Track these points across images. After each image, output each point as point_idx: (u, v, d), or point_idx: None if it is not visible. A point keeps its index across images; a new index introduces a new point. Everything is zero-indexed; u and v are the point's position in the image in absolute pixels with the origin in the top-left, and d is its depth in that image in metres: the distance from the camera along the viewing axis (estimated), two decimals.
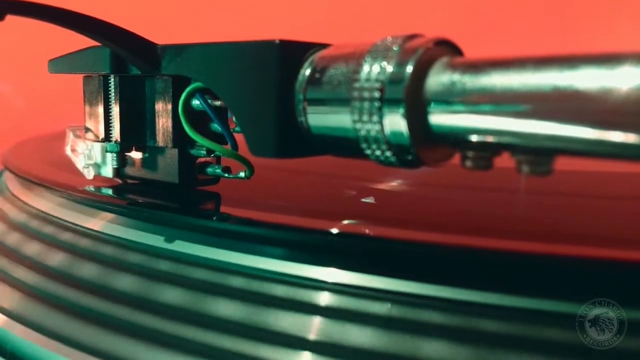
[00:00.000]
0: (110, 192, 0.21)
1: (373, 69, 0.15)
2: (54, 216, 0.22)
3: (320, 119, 0.16)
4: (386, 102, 0.14)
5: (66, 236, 0.20)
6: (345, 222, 0.16)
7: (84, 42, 0.19)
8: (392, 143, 0.15)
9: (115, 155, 0.21)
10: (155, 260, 0.17)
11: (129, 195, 0.21)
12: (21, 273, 0.19)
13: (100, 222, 0.20)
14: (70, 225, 0.21)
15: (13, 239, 0.22)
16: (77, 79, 0.22)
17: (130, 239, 0.19)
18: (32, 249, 0.21)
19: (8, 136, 0.35)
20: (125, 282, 0.17)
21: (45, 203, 0.23)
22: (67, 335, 0.16)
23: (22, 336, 0.17)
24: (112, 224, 0.20)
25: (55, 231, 0.21)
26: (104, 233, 0.19)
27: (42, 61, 0.22)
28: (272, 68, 0.17)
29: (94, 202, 0.21)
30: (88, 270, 0.18)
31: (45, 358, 0.16)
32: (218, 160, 0.20)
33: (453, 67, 0.14)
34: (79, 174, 0.23)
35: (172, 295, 0.16)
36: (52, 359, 0.16)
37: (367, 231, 0.16)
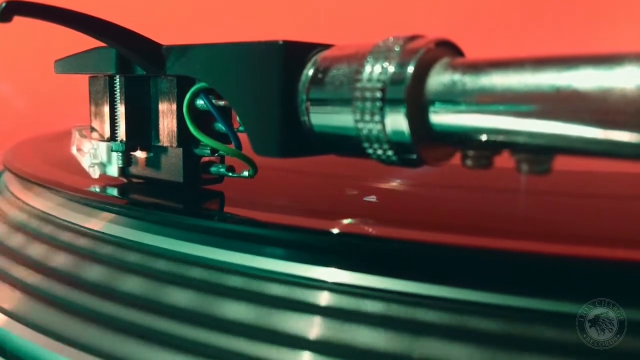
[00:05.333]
0: (111, 192, 0.21)
1: (375, 70, 0.15)
2: (54, 216, 0.22)
3: (323, 118, 0.16)
4: (388, 102, 0.15)
5: (66, 236, 0.20)
6: (347, 221, 0.16)
7: (84, 42, 0.19)
8: (394, 142, 0.15)
9: (120, 154, 0.21)
10: (157, 261, 0.17)
11: (130, 195, 0.21)
12: (21, 273, 0.19)
13: (101, 222, 0.20)
14: (71, 225, 0.21)
15: (13, 239, 0.22)
16: (78, 79, 0.22)
17: (131, 239, 0.19)
18: (32, 249, 0.21)
19: (8, 136, 0.36)
20: (127, 283, 0.17)
21: (46, 203, 0.23)
22: (67, 335, 0.16)
23: (22, 336, 0.17)
24: (113, 224, 0.20)
25: (56, 231, 0.21)
26: (104, 233, 0.19)
27: (42, 61, 0.22)
28: (276, 68, 0.17)
29: (95, 202, 0.21)
30: (88, 270, 0.18)
31: (45, 358, 0.16)
32: (222, 159, 0.21)
33: (454, 68, 0.14)
34: (79, 173, 0.23)
35: (174, 295, 0.16)
36: (52, 359, 0.16)
37: (369, 231, 0.16)
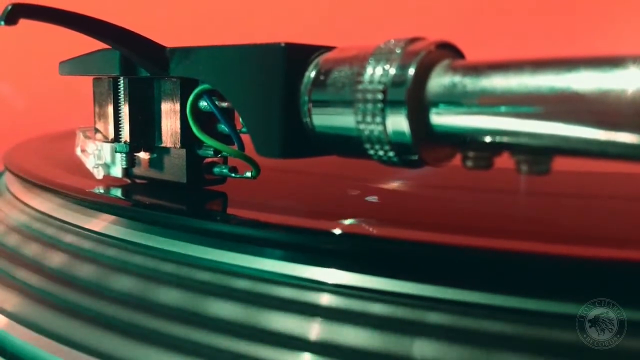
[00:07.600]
0: (112, 193, 0.21)
1: (376, 72, 0.15)
2: (54, 217, 0.22)
3: (325, 119, 0.16)
4: (389, 103, 0.15)
5: (67, 237, 0.20)
6: (348, 222, 0.16)
7: (85, 42, 0.19)
8: (395, 143, 0.15)
9: (124, 155, 0.21)
10: (157, 262, 0.17)
11: (131, 196, 0.21)
12: (22, 274, 0.19)
13: (101, 223, 0.20)
14: (71, 226, 0.21)
15: (14, 240, 0.22)
16: (79, 80, 0.22)
17: (132, 240, 0.19)
18: (33, 250, 0.21)
19: (8, 136, 0.36)
20: (127, 284, 0.17)
21: (47, 204, 0.23)
22: (67, 337, 0.16)
23: (22, 338, 0.17)
24: (113, 225, 0.20)
25: (56, 232, 0.21)
26: (105, 234, 0.19)
27: (42, 61, 0.22)
28: (278, 70, 0.17)
29: (95, 203, 0.21)
30: (89, 272, 0.18)
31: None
32: (225, 160, 0.21)
33: (454, 70, 0.14)
34: (80, 174, 0.23)
35: (174, 296, 0.16)
36: None
37: (370, 231, 0.16)
